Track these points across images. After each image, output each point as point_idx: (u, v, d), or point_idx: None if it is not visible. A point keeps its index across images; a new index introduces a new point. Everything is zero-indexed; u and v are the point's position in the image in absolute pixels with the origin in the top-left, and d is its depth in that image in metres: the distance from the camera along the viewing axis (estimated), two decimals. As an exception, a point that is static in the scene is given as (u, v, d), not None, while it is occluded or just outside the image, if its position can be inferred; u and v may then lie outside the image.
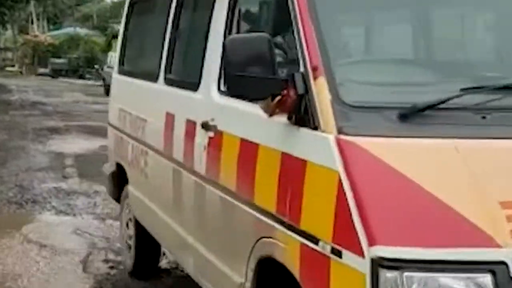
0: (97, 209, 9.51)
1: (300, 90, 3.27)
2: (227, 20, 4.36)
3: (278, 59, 3.53)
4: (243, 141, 3.91)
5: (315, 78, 3.25)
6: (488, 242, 2.73)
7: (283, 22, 3.68)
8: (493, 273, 2.70)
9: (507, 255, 2.71)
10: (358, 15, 4.04)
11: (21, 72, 58.82)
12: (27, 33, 66.05)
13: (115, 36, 63.03)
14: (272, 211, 3.50)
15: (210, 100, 4.42)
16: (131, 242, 6.69)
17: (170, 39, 5.47)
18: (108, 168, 7.30)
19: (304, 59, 3.34)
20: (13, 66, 63.26)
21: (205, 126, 4.40)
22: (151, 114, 5.79)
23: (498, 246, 2.71)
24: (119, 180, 6.90)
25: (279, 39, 3.80)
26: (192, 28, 5.46)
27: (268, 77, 3.35)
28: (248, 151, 3.82)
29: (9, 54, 67.76)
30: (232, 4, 4.33)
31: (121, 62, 7.26)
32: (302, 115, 3.28)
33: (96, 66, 50.10)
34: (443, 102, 3.13)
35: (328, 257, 3.00)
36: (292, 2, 3.50)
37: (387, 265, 2.71)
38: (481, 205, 2.82)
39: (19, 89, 36.12)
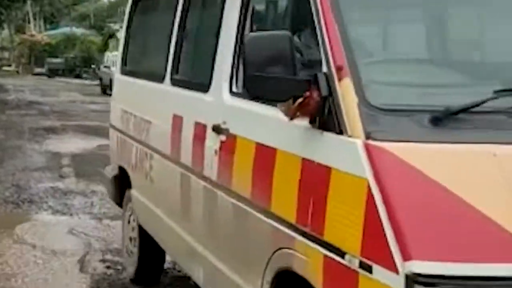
0: (94, 209, 9.46)
1: (324, 92, 3.06)
2: (240, 17, 4.13)
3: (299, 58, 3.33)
4: (259, 146, 3.68)
5: (340, 79, 3.04)
6: None
7: (302, 19, 3.47)
8: None
9: None
10: (383, 12, 3.79)
11: (17, 72, 58.92)
12: (24, 33, 66.16)
13: (111, 36, 63.35)
14: (292, 220, 3.27)
15: (221, 102, 4.20)
16: (134, 248, 6.44)
17: (177, 38, 5.23)
18: (110, 171, 7.03)
19: (327, 59, 3.13)
20: (9, 65, 63.38)
21: (217, 129, 4.18)
22: (157, 116, 5.55)
23: None
24: (121, 183, 6.64)
25: (298, 37, 3.57)
26: (201, 26, 5.23)
27: (289, 77, 3.14)
28: (265, 156, 3.59)
29: (6, 54, 67.89)
30: (246, 0, 4.10)
31: (124, 62, 7.00)
32: (326, 119, 3.07)
33: (92, 66, 50.22)
34: (477, 105, 2.93)
35: (356, 271, 2.78)
36: None
37: (423, 282, 2.50)
38: None
39: (16, 89, 36.41)
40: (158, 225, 5.56)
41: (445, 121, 2.89)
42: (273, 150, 3.50)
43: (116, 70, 7.23)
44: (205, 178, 4.38)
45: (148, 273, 6.41)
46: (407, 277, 2.52)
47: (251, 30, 4.08)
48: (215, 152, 4.21)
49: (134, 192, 6.25)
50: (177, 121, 4.96)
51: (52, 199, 9.93)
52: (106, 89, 37.26)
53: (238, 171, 3.94)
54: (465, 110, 2.91)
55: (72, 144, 15.74)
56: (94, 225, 8.62)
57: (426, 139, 2.83)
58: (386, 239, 2.61)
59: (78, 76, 55.71)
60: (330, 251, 2.95)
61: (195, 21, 5.26)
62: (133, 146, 6.16)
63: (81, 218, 8.95)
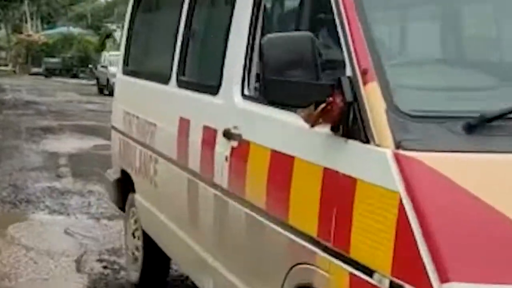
0: (91, 208, 9.42)
1: (348, 97, 2.83)
2: (252, 16, 3.89)
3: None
4: (275, 153, 3.45)
5: (365, 83, 2.82)
6: None
7: (321, 17, 3.28)
8: None
9: None
10: (408, 9, 3.59)
11: (14, 72, 58.88)
12: (21, 32, 66.12)
13: (108, 36, 63.31)
14: (312, 234, 3.05)
15: (232, 105, 3.98)
16: (138, 254, 6.19)
17: (183, 37, 4.99)
18: (112, 174, 6.79)
19: (351, 61, 2.91)
20: (6, 65, 63.35)
21: (227, 134, 3.95)
22: (162, 119, 5.31)
23: None
24: (124, 187, 6.40)
25: (316, 37, 3.29)
26: (209, 24, 5.00)
27: (311, 82, 2.92)
28: (281, 164, 3.36)
29: (3, 54, 67.87)
30: None
31: (126, 62, 6.75)
32: (351, 126, 2.85)
33: (89, 66, 50.14)
34: None
35: None
36: None
37: None
38: None
39: (13, 89, 36.59)
40: (163, 231, 5.34)
41: (480, 128, 2.67)
42: (291, 158, 3.27)
43: (117, 70, 6.99)
44: (215, 186, 4.15)
45: (152, 278, 6.16)
46: None
47: (264, 29, 3.86)
48: (226, 158, 3.98)
49: (137, 197, 6.02)
50: (184, 124, 4.73)
51: (49, 199, 9.89)
52: (103, 89, 37.20)
53: (251, 179, 3.71)
54: (501, 116, 2.70)
55: (69, 144, 15.69)
56: (91, 225, 8.58)
57: (460, 148, 2.62)
58: (421, 257, 2.40)
59: (75, 76, 55.65)
60: (357, 268, 2.73)
61: (203, 19, 5.03)
62: (136, 149, 5.93)
63: (78, 218, 8.90)
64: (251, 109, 3.78)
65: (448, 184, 2.52)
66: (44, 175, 11.68)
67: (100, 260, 7.09)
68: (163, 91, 5.28)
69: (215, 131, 4.16)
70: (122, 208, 6.63)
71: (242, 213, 3.80)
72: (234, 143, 3.88)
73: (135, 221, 6.21)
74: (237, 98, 3.94)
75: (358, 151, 2.81)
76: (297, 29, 3.58)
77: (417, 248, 2.41)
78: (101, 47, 59.28)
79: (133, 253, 6.32)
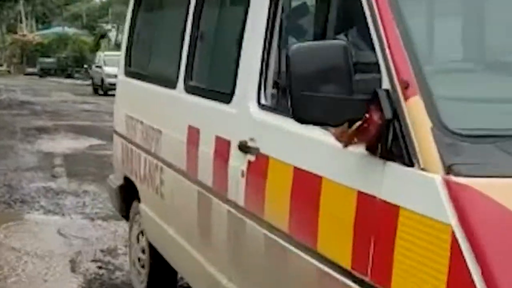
0: (86, 209, 9.38)
1: (387, 114, 2.51)
2: (269, 18, 3.56)
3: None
4: (299, 171, 3.11)
5: (406, 98, 2.49)
6: None
7: (350, 21, 2.97)
8: None
9: None
10: (451, 13, 3.18)
11: (9, 72, 58.83)
12: (16, 32, 66.07)
13: (103, 36, 63.33)
14: (346, 266, 2.71)
15: (248, 115, 3.64)
16: (144, 266, 5.84)
17: (191, 39, 4.64)
18: (115, 181, 6.44)
19: (389, 72, 2.57)
20: (1, 65, 63.20)
21: (243, 147, 3.62)
22: (168, 126, 4.94)
23: None
24: (127, 195, 6.06)
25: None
26: (220, 26, 4.62)
27: (345, 97, 2.56)
28: (307, 184, 3.03)
29: (-3, 54, 67.54)
30: None
31: (128, 63, 6.38)
32: (390, 146, 2.53)
33: (84, 66, 50.15)
34: None
35: None
36: None
37: None
38: None
39: (7, 89, 36.68)
40: (171, 246, 4.98)
41: None
42: (318, 178, 2.94)
43: (118, 71, 6.64)
44: (229, 202, 3.83)
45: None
46: None
47: (282, 31, 3.55)
48: (242, 173, 3.65)
49: (142, 207, 5.66)
50: (193, 133, 4.40)
51: (44, 199, 9.85)
52: (98, 89, 37.25)
53: (271, 198, 3.37)
54: None
55: (64, 144, 15.68)
56: (86, 225, 8.53)
57: None
58: None
59: (70, 76, 55.63)
60: None
61: (213, 19, 4.66)
62: (140, 156, 5.58)
63: (73, 218, 8.86)
64: (269, 121, 3.46)
65: (509, 216, 2.22)
66: (39, 175, 11.65)
67: (95, 260, 7.04)
68: (169, 96, 4.94)
69: (228, 142, 3.84)
70: (125, 216, 6.33)
71: (260, 235, 3.47)
72: (251, 157, 3.56)
73: (140, 232, 5.87)
74: (253, 107, 3.62)
75: (399, 174, 2.49)
76: (321, 32, 3.24)
77: None
78: (96, 47, 59.33)
79: (137, 264, 5.99)
